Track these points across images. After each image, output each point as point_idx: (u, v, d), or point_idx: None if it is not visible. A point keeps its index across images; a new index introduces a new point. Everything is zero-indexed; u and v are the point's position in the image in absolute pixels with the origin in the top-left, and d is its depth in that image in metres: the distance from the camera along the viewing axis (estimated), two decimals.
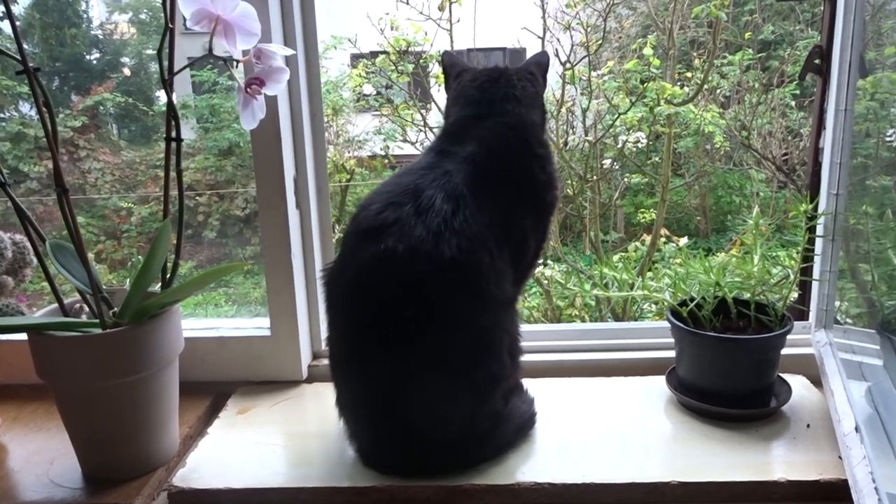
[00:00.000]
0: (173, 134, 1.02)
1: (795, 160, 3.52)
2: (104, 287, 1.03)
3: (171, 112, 1.02)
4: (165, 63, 0.99)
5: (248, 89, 1.02)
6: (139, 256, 1.10)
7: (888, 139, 1.27)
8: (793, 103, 3.77)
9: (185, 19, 0.96)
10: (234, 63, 1.03)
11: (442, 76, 2.84)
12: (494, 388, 1.00)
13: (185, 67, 1.03)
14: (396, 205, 0.95)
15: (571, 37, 3.01)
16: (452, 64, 1.17)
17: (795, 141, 3.54)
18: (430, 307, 0.93)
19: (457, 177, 0.98)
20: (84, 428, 1.03)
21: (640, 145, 3.47)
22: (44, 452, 1.12)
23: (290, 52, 1.05)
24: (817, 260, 1.22)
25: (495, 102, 1.08)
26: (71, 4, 5.19)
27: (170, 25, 0.98)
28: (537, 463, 1.03)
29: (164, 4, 0.97)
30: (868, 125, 1.27)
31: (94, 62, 5.50)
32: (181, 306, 1.07)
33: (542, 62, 1.16)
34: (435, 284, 0.92)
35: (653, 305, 3.03)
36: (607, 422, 1.14)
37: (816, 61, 1.25)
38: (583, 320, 3.11)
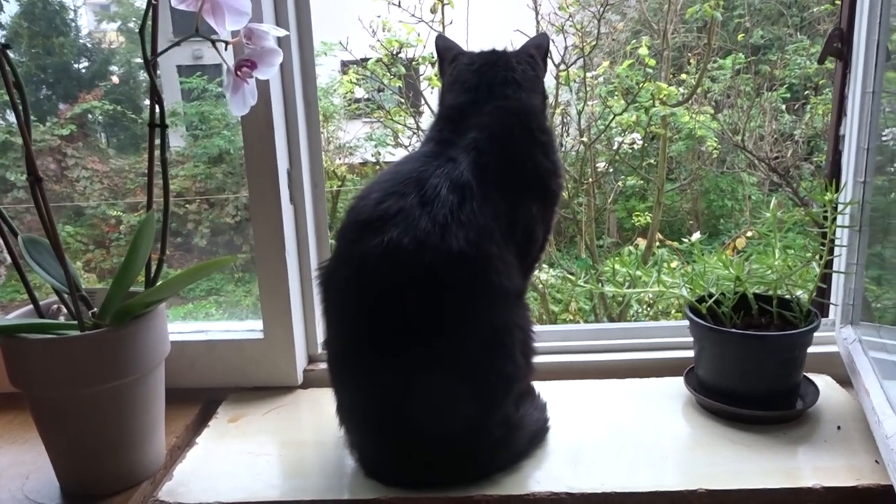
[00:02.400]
0: (157, 120, 0.95)
1: (789, 163, 3.52)
2: (83, 286, 0.96)
3: (155, 96, 0.95)
4: (148, 43, 0.92)
5: (239, 72, 0.95)
6: None
7: (884, 139, 1.21)
8: (783, 107, 3.77)
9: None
10: (224, 45, 0.96)
11: (435, 78, 2.78)
12: (507, 391, 0.93)
13: (169, 48, 0.96)
14: (399, 194, 0.89)
15: (565, 39, 2.98)
16: (447, 48, 1.11)
17: (787, 144, 3.54)
18: (437, 302, 0.86)
19: (461, 165, 0.93)
20: (62, 439, 0.95)
21: (635, 146, 3.44)
22: (18, 466, 1.05)
23: (283, 32, 0.98)
24: (842, 252, 1.16)
25: (494, 87, 1.02)
26: (59, 13, 5.13)
27: (152, 2, 0.91)
28: (552, 471, 0.97)
29: None
30: None
31: (83, 71, 5.44)
32: (169, 315, 1.00)
33: (542, 44, 1.10)
34: (443, 278, 0.86)
35: (648, 309, 2.99)
36: (623, 426, 1.08)
37: (836, 44, 1.19)
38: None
